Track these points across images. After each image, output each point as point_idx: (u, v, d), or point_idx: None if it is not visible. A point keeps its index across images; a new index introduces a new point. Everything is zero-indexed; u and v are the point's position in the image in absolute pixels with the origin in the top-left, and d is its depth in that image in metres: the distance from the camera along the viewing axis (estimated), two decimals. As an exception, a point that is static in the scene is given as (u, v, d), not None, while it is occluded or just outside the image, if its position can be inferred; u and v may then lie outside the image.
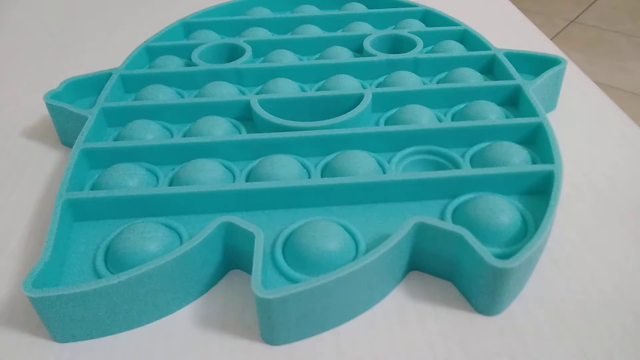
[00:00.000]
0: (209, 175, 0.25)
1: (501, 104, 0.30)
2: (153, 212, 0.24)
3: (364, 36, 0.36)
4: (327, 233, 0.21)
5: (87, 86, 0.32)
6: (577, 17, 1.33)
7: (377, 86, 0.32)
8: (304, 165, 0.26)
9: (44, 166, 0.30)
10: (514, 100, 0.30)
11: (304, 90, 0.32)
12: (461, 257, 0.21)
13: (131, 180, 0.25)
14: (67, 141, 0.31)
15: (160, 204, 0.23)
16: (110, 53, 0.38)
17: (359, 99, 0.29)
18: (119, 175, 0.25)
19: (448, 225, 0.21)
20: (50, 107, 0.30)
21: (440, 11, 0.39)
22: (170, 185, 0.25)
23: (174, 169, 0.26)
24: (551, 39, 0.42)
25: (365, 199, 0.24)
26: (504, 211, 0.22)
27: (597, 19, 1.32)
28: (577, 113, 0.32)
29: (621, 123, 0.32)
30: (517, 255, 0.19)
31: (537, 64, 0.32)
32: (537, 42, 0.41)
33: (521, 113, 0.29)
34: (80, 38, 0.44)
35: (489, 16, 0.45)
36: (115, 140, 0.28)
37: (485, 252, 0.19)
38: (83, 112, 0.29)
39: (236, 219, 0.21)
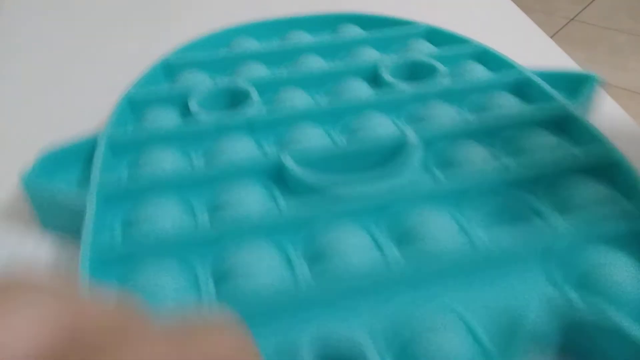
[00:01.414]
0: (262, 267, 0.20)
1: (546, 129, 0.27)
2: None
3: (375, 64, 0.32)
4: (449, 328, 0.17)
5: (68, 157, 0.26)
6: (577, 15, 1.35)
7: (408, 120, 0.29)
8: (373, 238, 0.22)
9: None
10: (560, 125, 0.28)
11: (329, 135, 0.28)
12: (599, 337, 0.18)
13: (167, 285, 0.20)
14: (50, 227, 0.25)
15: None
16: (85, 107, 0.32)
17: (400, 139, 0.26)
18: (151, 280, 0.20)
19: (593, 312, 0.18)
20: (29, 192, 0.24)
21: (443, 28, 0.36)
22: (216, 285, 0.20)
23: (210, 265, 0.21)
24: (551, 37, 0.40)
25: (460, 273, 0.20)
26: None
27: (597, 17, 1.34)
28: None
29: (621, 122, 0.31)
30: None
31: (568, 82, 0.30)
32: (537, 41, 0.39)
33: (575, 140, 0.27)
34: (50, 97, 0.37)
35: (488, 14, 0.43)
36: (126, 230, 0.23)
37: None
38: (75, 200, 0.23)
39: (331, 328, 0.17)
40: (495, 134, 0.27)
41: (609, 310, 0.17)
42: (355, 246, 0.21)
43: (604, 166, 0.24)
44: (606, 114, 0.30)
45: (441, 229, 0.21)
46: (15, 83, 0.37)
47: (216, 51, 0.34)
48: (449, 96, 0.30)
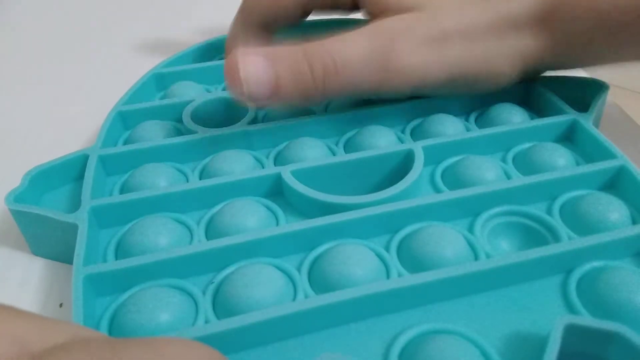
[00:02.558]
0: (263, 289, 0.19)
1: (554, 141, 0.27)
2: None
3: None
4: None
5: (57, 174, 0.25)
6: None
7: (412, 132, 0.28)
8: (378, 255, 0.21)
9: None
10: (568, 136, 0.27)
11: (330, 148, 0.27)
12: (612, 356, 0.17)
13: (164, 307, 0.19)
14: (40, 251, 0.24)
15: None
16: (73, 122, 0.31)
17: (406, 155, 0.25)
18: (148, 303, 0.18)
19: (605, 324, 0.17)
20: (17, 214, 0.22)
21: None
22: (214, 306, 0.19)
23: (212, 282, 0.20)
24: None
25: (466, 291, 0.20)
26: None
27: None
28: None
29: (623, 122, 0.30)
30: None
31: (574, 89, 0.29)
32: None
33: (583, 151, 0.26)
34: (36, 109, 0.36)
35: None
36: (119, 251, 0.22)
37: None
38: (66, 219, 0.22)
39: (336, 351, 0.16)
40: (505, 149, 0.26)
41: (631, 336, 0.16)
42: (361, 266, 0.20)
43: (620, 183, 0.24)
44: (607, 114, 0.30)
45: (450, 247, 0.20)
46: None
47: (210, 61, 0.33)
48: (448, 105, 0.29)
